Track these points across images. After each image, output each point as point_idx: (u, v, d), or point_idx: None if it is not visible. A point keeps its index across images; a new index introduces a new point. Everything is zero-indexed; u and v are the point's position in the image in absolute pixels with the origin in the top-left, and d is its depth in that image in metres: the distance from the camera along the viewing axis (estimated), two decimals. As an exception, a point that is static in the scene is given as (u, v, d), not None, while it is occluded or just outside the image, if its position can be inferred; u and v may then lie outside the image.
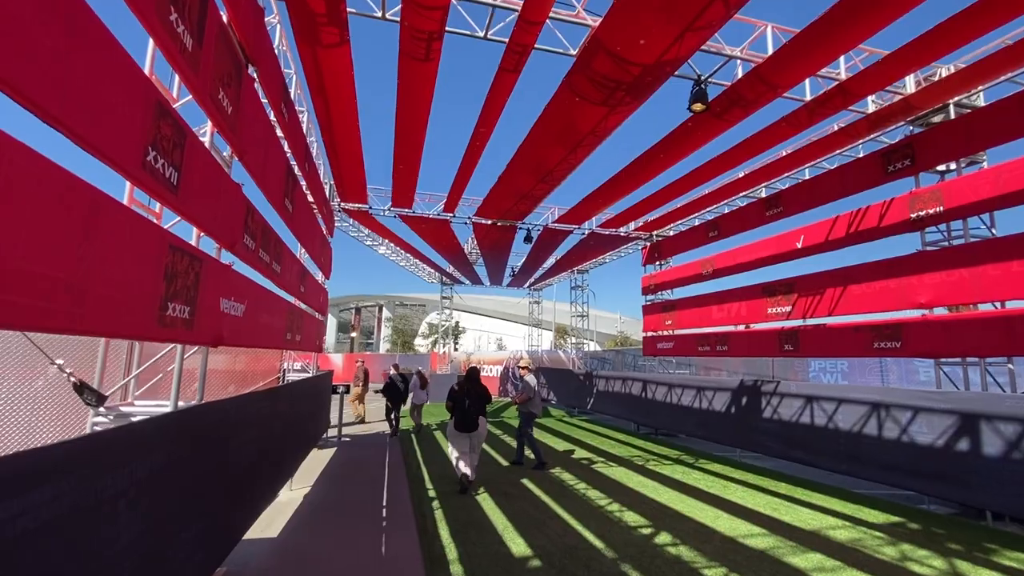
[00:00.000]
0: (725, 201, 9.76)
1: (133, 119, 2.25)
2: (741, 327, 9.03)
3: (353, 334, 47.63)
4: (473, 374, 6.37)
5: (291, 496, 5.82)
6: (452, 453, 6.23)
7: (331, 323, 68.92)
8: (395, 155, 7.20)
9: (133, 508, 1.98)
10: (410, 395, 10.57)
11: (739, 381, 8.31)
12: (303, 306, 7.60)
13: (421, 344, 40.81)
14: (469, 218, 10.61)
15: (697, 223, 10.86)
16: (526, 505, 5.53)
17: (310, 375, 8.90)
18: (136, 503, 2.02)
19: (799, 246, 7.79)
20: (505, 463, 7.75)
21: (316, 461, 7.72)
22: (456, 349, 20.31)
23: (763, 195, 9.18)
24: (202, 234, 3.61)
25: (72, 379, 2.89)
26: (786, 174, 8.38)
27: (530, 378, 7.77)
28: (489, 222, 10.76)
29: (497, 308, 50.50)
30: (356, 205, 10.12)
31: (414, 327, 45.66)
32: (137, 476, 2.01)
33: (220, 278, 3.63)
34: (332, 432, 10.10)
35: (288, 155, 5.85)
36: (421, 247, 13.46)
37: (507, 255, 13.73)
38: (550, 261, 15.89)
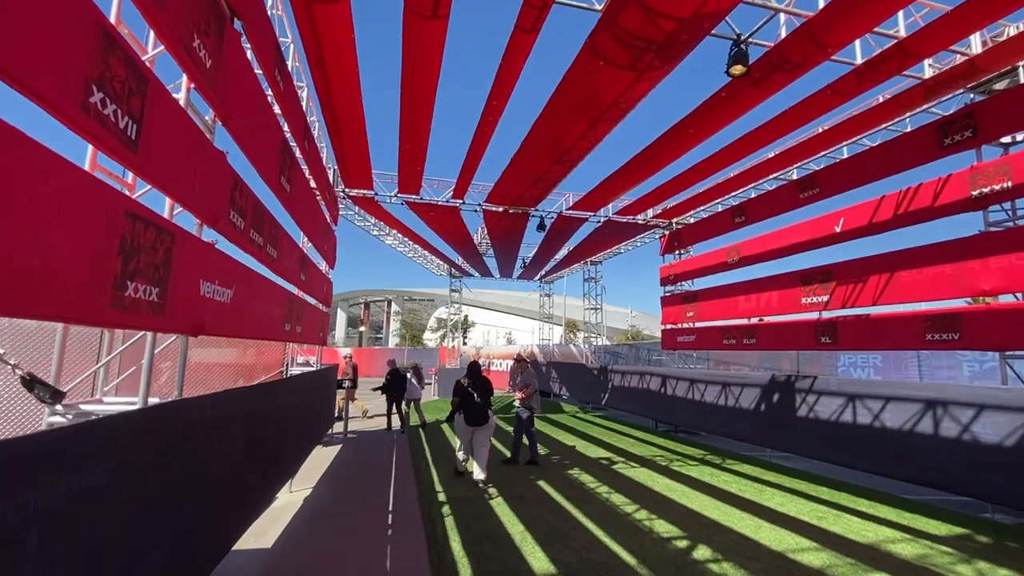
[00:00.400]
0: (752, 184, 9.13)
1: (62, 41, 1.77)
2: (771, 319, 8.44)
3: (362, 328, 47.55)
4: (475, 367, 6.37)
5: (290, 499, 5.40)
6: (459, 448, 6.33)
7: (340, 318, 69.06)
8: (401, 130, 6.70)
9: (50, 543, 1.51)
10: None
11: (769, 377, 7.75)
12: (305, 296, 7.16)
13: (430, 338, 40.51)
14: (479, 205, 10.10)
15: (720, 209, 10.25)
16: (545, 512, 5.05)
17: (313, 369, 8.49)
18: (61, 530, 1.55)
19: (838, 230, 7.18)
20: (520, 463, 7.28)
21: (320, 460, 7.31)
22: (465, 343, 19.82)
23: (794, 176, 8.55)
24: (178, 208, 3.15)
25: (19, 372, 2.44)
26: (822, 153, 7.74)
27: (532, 373, 7.56)
28: (500, 209, 10.24)
29: (505, 303, 50.06)
30: (361, 191, 9.65)
31: (423, 321, 45.41)
32: (59, 497, 1.54)
33: (200, 257, 3.17)
34: (339, 428, 9.70)
35: (284, 129, 5.37)
36: (429, 237, 12.98)
37: (518, 245, 13.20)
38: (562, 252, 15.34)
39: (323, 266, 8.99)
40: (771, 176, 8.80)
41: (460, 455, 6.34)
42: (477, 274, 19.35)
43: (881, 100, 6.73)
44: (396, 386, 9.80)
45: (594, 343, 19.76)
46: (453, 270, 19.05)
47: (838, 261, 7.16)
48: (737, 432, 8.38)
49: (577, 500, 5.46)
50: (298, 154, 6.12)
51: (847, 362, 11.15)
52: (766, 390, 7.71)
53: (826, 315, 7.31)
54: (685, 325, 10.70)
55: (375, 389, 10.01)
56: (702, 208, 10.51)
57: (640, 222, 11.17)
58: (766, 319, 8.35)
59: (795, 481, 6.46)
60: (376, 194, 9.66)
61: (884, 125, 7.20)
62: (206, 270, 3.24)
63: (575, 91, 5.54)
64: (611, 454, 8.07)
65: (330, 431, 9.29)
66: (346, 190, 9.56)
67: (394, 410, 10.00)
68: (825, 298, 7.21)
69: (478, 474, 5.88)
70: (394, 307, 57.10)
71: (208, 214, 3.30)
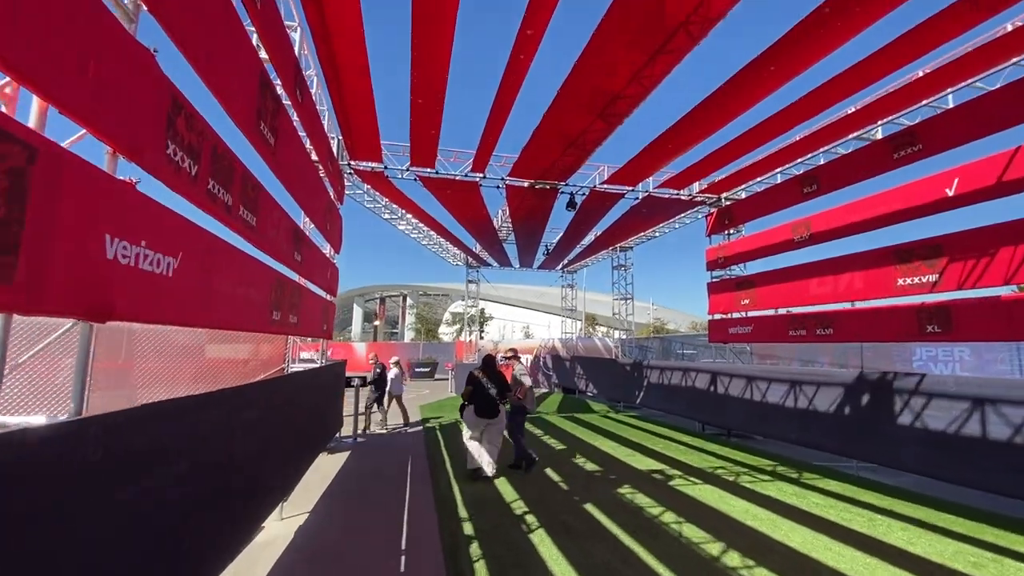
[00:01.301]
0: (825, 148, 7.75)
1: None
2: (852, 305, 7.09)
3: (376, 323, 46.97)
4: (490, 361, 6.28)
5: (278, 531, 4.32)
6: (468, 442, 6.04)
7: (356, 313, 68.83)
8: (413, 76, 5.53)
9: None
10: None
11: (856, 375, 6.43)
12: (303, 282, 6.08)
13: (446, 332, 39.61)
14: (502, 179, 8.90)
15: (780, 180, 8.88)
16: (604, 552, 3.88)
17: (316, 366, 7.44)
18: None
19: (950, 193, 5.80)
20: (556, 477, 6.11)
21: (322, 472, 6.26)
22: (482, 337, 18.76)
23: (879, 136, 7.16)
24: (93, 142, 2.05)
25: None
26: (924, 102, 6.35)
27: (521, 369, 6.79)
28: (526, 184, 9.04)
29: (521, 297, 48.91)
30: (369, 164, 8.53)
31: (438, 316, 44.56)
32: None
33: (104, 201, 2.05)
34: (347, 430, 8.67)
35: (265, 61, 4.24)
36: (445, 220, 11.83)
37: (542, 229, 11.98)
38: (589, 237, 14.07)
39: (327, 249, 7.92)
40: (850, 136, 7.42)
41: (471, 448, 6.00)
42: (495, 264, 18.20)
43: (1009, 28, 5.37)
44: (378, 383, 9.22)
45: (619, 336, 18.50)
46: (470, 259, 17.93)
47: (950, 232, 5.79)
48: (809, 438, 7.09)
49: (639, 532, 4.28)
50: (287, 102, 5.00)
51: (924, 355, 9.72)
52: (852, 390, 6.40)
53: (933, 298, 5.95)
54: (738, 315, 9.38)
55: (363, 385, 8.96)
56: (759, 179, 9.15)
57: (684, 198, 9.85)
58: (852, 305, 7.01)
59: (909, 506, 5.17)
60: (386, 168, 8.54)
61: (1005, 64, 5.80)
62: (118, 221, 2.13)
63: (632, 9, 4.29)
64: (663, 465, 6.86)
65: (337, 435, 8.26)
66: (352, 163, 8.45)
67: (374, 408, 9.26)
68: (932, 278, 5.85)
69: (478, 459, 5.87)
70: (409, 301, 56.46)
71: (122, 136, 2.18)
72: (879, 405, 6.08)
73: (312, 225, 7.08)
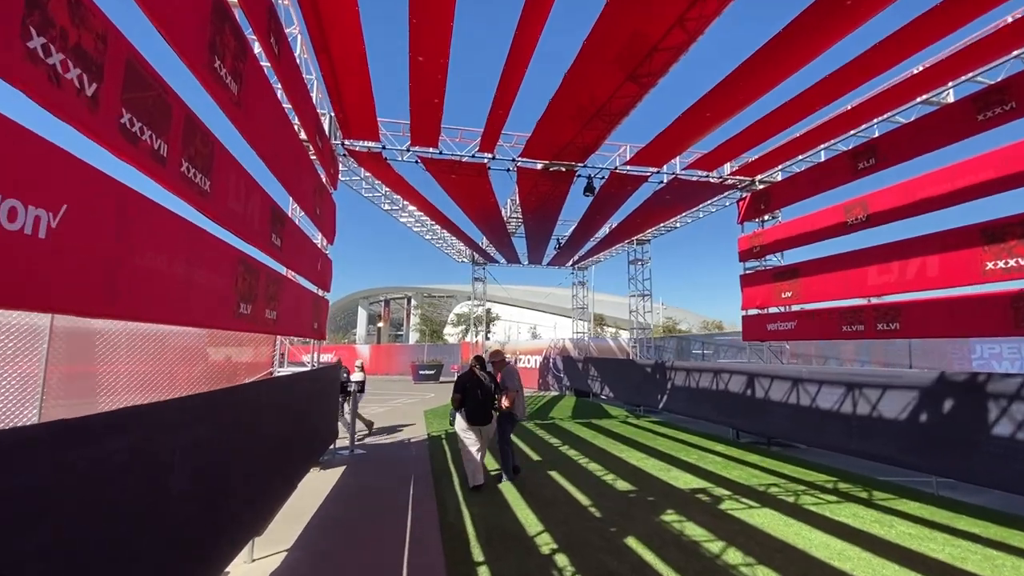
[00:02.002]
0: (883, 116, 6.80)
1: None
2: (922, 294, 6.13)
3: (380, 325, 46.21)
4: (480, 363, 5.86)
5: (247, 575, 3.42)
6: (467, 455, 5.51)
7: (361, 316, 68.11)
8: (412, 33, 4.64)
9: None
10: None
11: (936, 375, 5.45)
12: (285, 271, 5.21)
13: (451, 333, 38.74)
14: (513, 160, 8.00)
15: (824, 158, 7.92)
16: (664, 613, 2.95)
17: (304, 370, 6.56)
18: None
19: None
20: (584, 499, 5.18)
21: (310, 493, 5.36)
22: (488, 339, 17.86)
23: (949, 99, 6.21)
24: None
25: None
26: (1015, 53, 5.39)
27: (513, 368, 6.20)
28: (539, 166, 8.13)
29: (527, 298, 47.89)
30: (366, 144, 7.66)
31: (443, 317, 43.72)
32: None
33: None
34: (345, 440, 7.78)
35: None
36: (450, 211, 10.94)
37: (555, 219, 11.07)
38: (603, 230, 13.14)
39: (318, 239, 7.06)
40: (916, 100, 6.46)
41: (468, 464, 5.53)
42: (503, 260, 17.30)
43: None
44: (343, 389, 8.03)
45: (625, 336, 17.50)
46: (476, 256, 17.04)
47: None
48: (872, 449, 6.11)
49: (702, 580, 3.35)
50: (258, 50, 4.12)
51: (986, 353, 8.72)
52: (931, 394, 5.43)
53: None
54: (776, 309, 8.43)
55: (360, 391, 8.09)
56: (800, 157, 8.19)
57: (714, 181, 8.91)
58: (922, 295, 6.04)
59: (1007, 531, 4.21)
60: (384, 147, 7.65)
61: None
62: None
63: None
64: (705, 482, 5.91)
65: (332, 447, 7.37)
66: (346, 143, 7.58)
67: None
68: (1033, 260, 4.88)
69: (479, 475, 5.48)
70: (413, 303, 55.75)
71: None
72: (967, 412, 5.11)
73: (300, 210, 6.22)
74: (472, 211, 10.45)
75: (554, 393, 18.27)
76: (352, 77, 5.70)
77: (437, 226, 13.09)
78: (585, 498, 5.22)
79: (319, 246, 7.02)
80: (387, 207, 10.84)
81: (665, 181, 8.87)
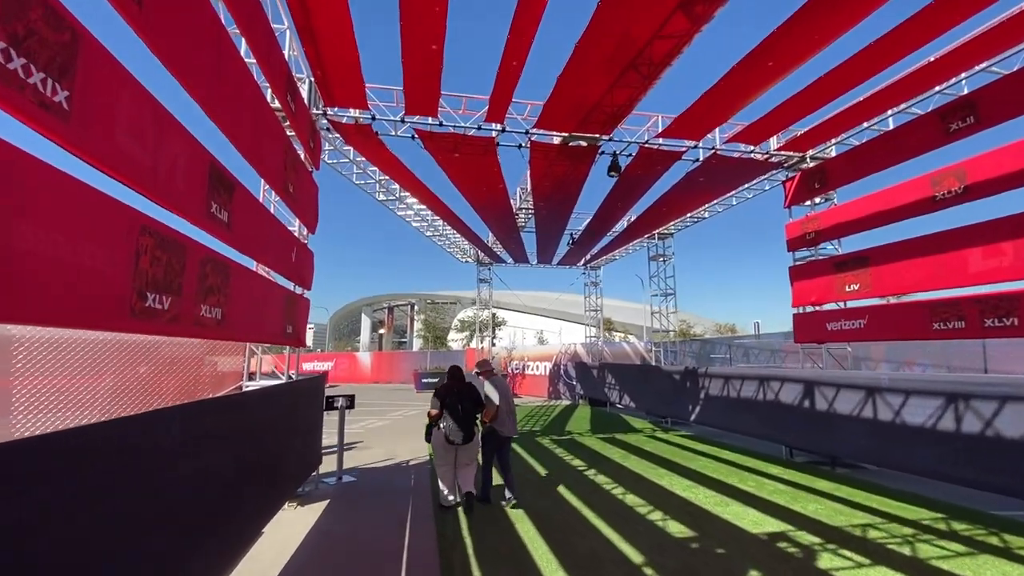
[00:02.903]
0: (981, 67, 5.58)
1: None
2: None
3: (382, 331, 45.15)
4: (456, 372, 5.37)
5: None
6: (440, 472, 5.15)
7: (365, 323, 67.12)
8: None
9: None
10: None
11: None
12: (236, 256, 4.01)
13: (455, 339, 37.48)
14: (527, 133, 6.82)
15: (892, 126, 6.70)
16: None
17: (279, 383, 5.33)
18: None
19: None
20: (636, 555, 3.93)
21: (277, 543, 4.13)
22: (493, 344, 16.66)
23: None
24: None
25: None
26: None
27: (492, 387, 5.33)
28: (557, 140, 6.95)
29: (533, 304, 46.66)
30: (353, 114, 6.50)
31: (447, 323, 42.54)
32: None
33: None
34: (332, 462, 6.56)
35: None
36: (453, 201, 9.76)
37: (570, 208, 9.86)
38: (622, 223, 11.93)
39: (294, 226, 5.89)
40: (1018, 47, 5.24)
41: (441, 482, 5.16)
42: (510, 260, 16.11)
43: None
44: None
45: (641, 340, 16.21)
46: (481, 255, 15.86)
47: None
48: (987, 477, 4.84)
49: None
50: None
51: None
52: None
53: None
54: (835, 306, 7.18)
55: (349, 407, 6.89)
56: (867, 126, 6.97)
57: (758, 157, 7.70)
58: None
59: None
60: (374, 118, 6.49)
61: None
62: None
63: None
64: (780, 522, 4.65)
65: (315, 475, 6.15)
66: (329, 112, 6.42)
67: None
68: None
69: (465, 487, 5.00)
70: (416, 310, 54.71)
71: None
72: None
73: (269, 190, 5.05)
74: (478, 199, 9.26)
75: (566, 402, 16.99)
76: (332, 21, 4.54)
77: (439, 220, 11.91)
78: (635, 552, 3.96)
79: (297, 234, 5.85)
80: (382, 197, 9.67)
81: (701, 159, 7.67)
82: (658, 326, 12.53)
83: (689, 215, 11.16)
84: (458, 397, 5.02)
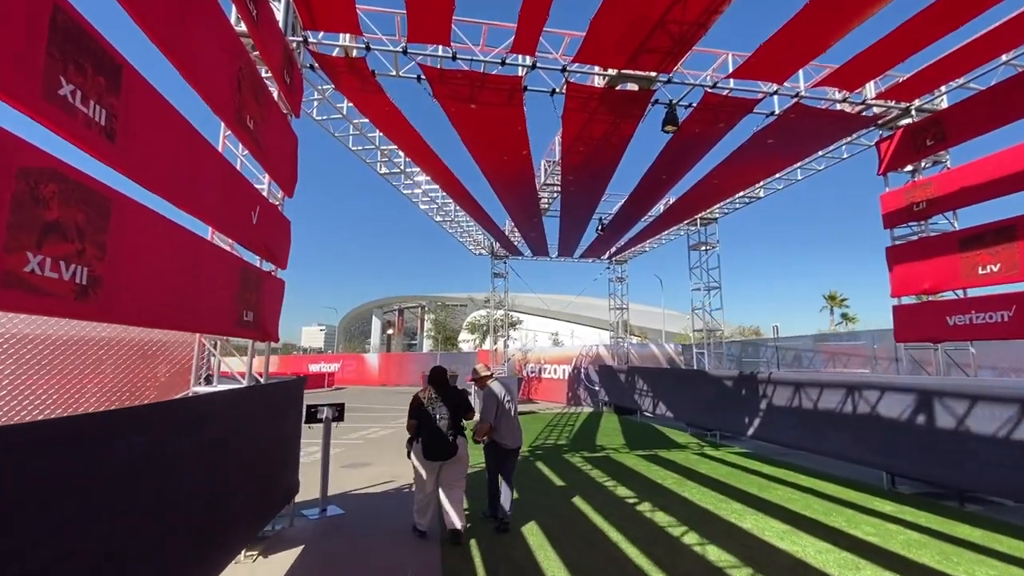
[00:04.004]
0: None
1: None
2: None
3: (390, 332, 44.07)
4: (439, 376, 4.54)
5: None
6: (418, 492, 4.33)
7: (375, 325, 66.16)
8: None
9: None
10: None
11: None
12: (141, 196, 2.60)
13: (466, 340, 36.05)
14: (564, 70, 5.37)
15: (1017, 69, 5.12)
16: None
17: (238, 388, 3.91)
18: None
19: None
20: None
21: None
22: (506, 346, 15.27)
23: None
24: None
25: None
26: None
27: (490, 394, 4.70)
28: (602, 81, 5.50)
29: (543, 306, 44.97)
30: (340, 42, 5.11)
31: (457, 324, 41.20)
32: None
33: None
34: (316, 488, 5.16)
35: None
36: (468, 178, 8.30)
37: (605, 185, 8.35)
38: (656, 210, 10.41)
39: (263, 183, 4.52)
40: None
41: (416, 501, 4.37)
42: (527, 253, 14.65)
43: None
44: None
45: (663, 344, 14.61)
46: (496, 247, 14.43)
47: None
48: None
49: None
50: None
51: None
52: None
53: None
54: (953, 295, 5.60)
55: (336, 419, 5.49)
56: (997, 64, 5.40)
57: (851, 109, 6.16)
58: None
59: None
60: (368, 48, 5.08)
61: None
62: None
63: None
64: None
65: (289, 507, 4.74)
66: (311, 40, 5.03)
67: None
68: None
69: (453, 522, 4.18)
70: (426, 310, 53.62)
71: None
72: None
73: (238, 144, 3.67)
74: (496, 171, 7.80)
75: (588, 409, 15.46)
76: None
77: (451, 203, 10.50)
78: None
79: (267, 194, 4.46)
80: (384, 170, 8.27)
81: (776, 111, 6.16)
82: (700, 325, 10.95)
83: (742, 194, 9.58)
84: (436, 404, 4.32)
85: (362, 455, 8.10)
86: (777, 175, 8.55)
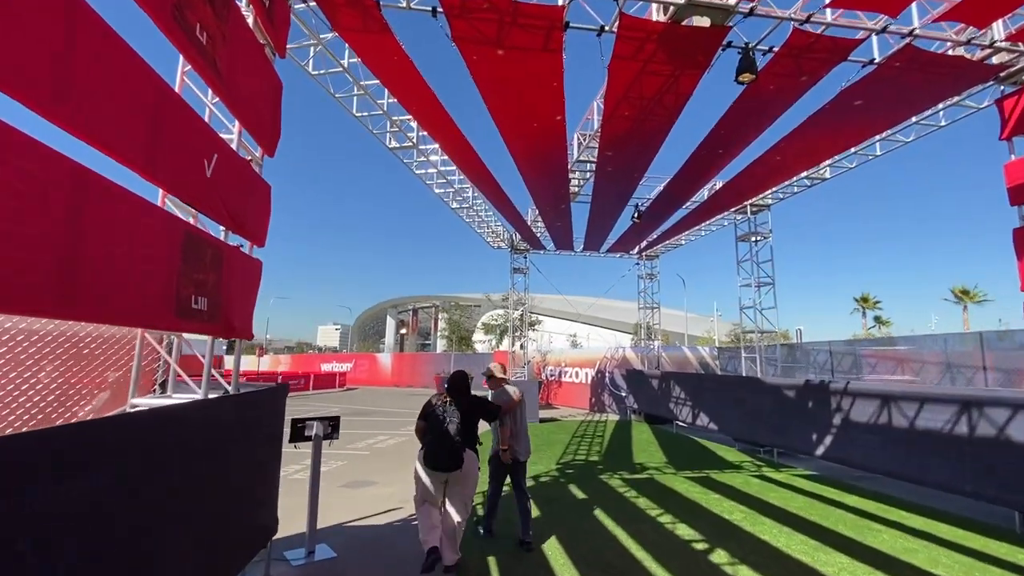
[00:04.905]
0: None
1: None
2: None
3: (403, 331, 43.45)
4: (460, 382, 3.96)
5: None
6: (420, 507, 3.74)
7: (390, 324, 65.61)
8: None
9: None
10: None
11: None
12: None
13: (481, 340, 34.98)
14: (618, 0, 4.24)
15: None
16: None
17: (193, 400, 2.87)
18: None
19: None
20: None
21: None
22: (524, 347, 14.18)
23: None
24: None
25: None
26: None
27: (508, 394, 4.38)
28: (664, 14, 4.35)
29: (555, 308, 43.64)
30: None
31: (472, 323, 40.22)
32: None
33: None
34: (304, 518, 4.11)
35: None
36: (487, 149, 7.21)
37: (650, 158, 7.18)
38: (701, 195, 9.20)
39: (232, 132, 3.48)
40: None
41: (421, 520, 3.73)
42: (550, 246, 13.52)
43: None
44: None
45: (657, 346, 13.24)
46: (516, 239, 13.34)
47: None
48: None
49: None
50: None
51: None
52: None
53: None
54: None
55: (329, 436, 4.43)
56: None
57: (971, 54, 4.91)
58: None
59: None
60: (370, -34, 4.02)
61: None
62: None
63: None
64: None
65: (266, 548, 3.70)
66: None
67: None
68: None
69: (445, 557, 3.60)
70: (440, 309, 52.89)
71: None
72: None
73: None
74: (523, 143, 6.69)
75: (614, 417, 14.25)
76: None
77: (468, 186, 9.44)
78: None
79: (235, 146, 3.43)
80: (394, 144, 7.22)
81: (876, 60, 4.94)
82: (750, 324, 9.67)
83: (805, 174, 8.28)
84: (448, 407, 3.82)
85: (366, 470, 7.07)
86: (853, 149, 7.27)
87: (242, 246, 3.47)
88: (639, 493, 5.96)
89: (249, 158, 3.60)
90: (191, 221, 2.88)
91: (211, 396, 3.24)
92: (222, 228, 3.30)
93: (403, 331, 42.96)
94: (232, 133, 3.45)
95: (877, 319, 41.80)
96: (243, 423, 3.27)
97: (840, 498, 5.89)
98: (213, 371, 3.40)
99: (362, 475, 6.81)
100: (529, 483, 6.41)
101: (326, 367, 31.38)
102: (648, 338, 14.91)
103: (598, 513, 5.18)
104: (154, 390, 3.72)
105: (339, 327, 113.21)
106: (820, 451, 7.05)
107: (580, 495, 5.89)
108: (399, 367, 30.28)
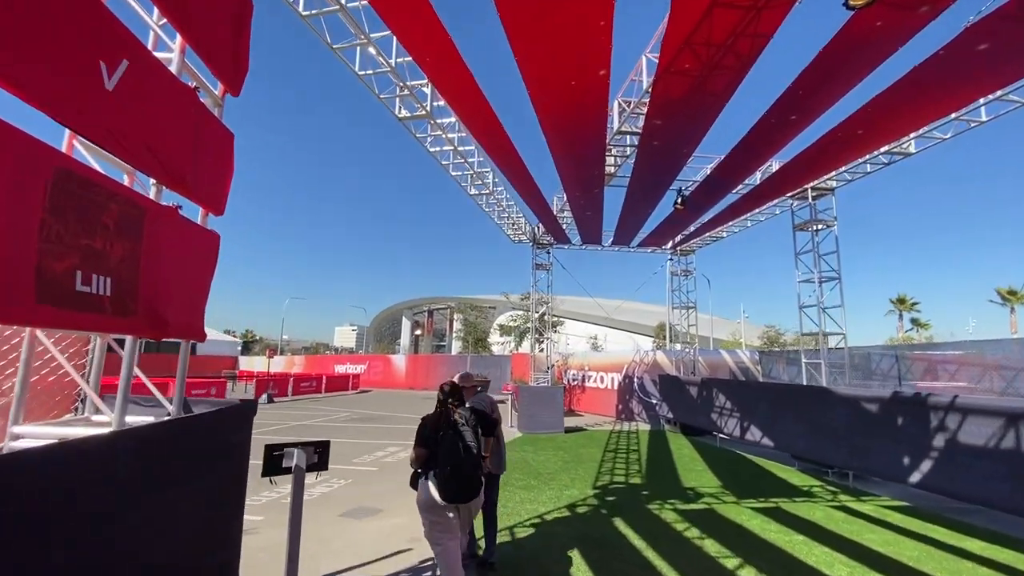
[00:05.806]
0: None
1: None
2: None
3: (418, 332, 42.76)
4: (460, 392, 3.36)
5: None
6: (443, 557, 3.00)
7: (405, 326, 65.14)
8: None
9: None
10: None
11: None
12: None
13: (498, 342, 33.89)
14: None
15: None
16: None
17: (104, 434, 1.90)
18: None
19: None
20: None
21: None
22: (546, 350, 13.09)
23: None
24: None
25: None
26: None
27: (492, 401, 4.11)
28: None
29: (574, 310, 42.30)
30: None
31: (489, 321, 39.25)
32: None
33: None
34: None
35: None
36: (508, 119, 6.15)
37: (705, 128, 6.05)
38: (754, 179, 8.01)
39: (171, 49, 2.44)
40: None
41: (449, 553, 3.00)
42: (576, 240, 12.41)
43: None
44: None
45: (681, 349, 11.90)
46: (539, 232, 12.27)
47: None
48: None
49: None
50: None
51: None
52: None
53: None
54: None
55: (314, 468, 3.39)
56: None
57: None
58: None
59: None
60: None
61: None
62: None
63: None
64: None
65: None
66: None
67: None
68: None
69: None
70: (455, 309, 52.19)
71: None
72: None
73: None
74: (556, 105, 5.62)
75: (644, 426, 13.07)
76: None
77: (488, 170, 8.39)
78: None
79: (176, 71, 2.43)
80: (404, 114, 6.20)
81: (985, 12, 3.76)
82: (813, 327, 8.39)
83: (885, 148, 7.01)
84: (462, 427, 3.06)
85: (372, 493, 6.06)
86: (954, 115, 6.01)
87: (180, 207, 2.46)
88: (702, 532, 4.83)
89: (194, 85, 2.60)
90: (64, 152, 1.88)
91: (137, 422, 2.25)
92: (152, 183, 2.32)
93: (418, 332, 42.30)
94: (172, 52, 2.46)
95: (915, 321, 39.57)
96: (194, 454, 2.28)
97: (950, 540, 4.74)
98: (153, 386, 2.41)
99: (368, 499, 5.81)
100: (565, 514, 5.34)
101: (340, 368, 30.71)
102: (681, 341, 13.67)
103: (658, 563, 4.07)
104: (75, 408, 2.76)
105: (355, 328, 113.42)
106: (915, 478, 5.81)
107: (630, 534, 4.79)
108: (414, 369, 29.43)
